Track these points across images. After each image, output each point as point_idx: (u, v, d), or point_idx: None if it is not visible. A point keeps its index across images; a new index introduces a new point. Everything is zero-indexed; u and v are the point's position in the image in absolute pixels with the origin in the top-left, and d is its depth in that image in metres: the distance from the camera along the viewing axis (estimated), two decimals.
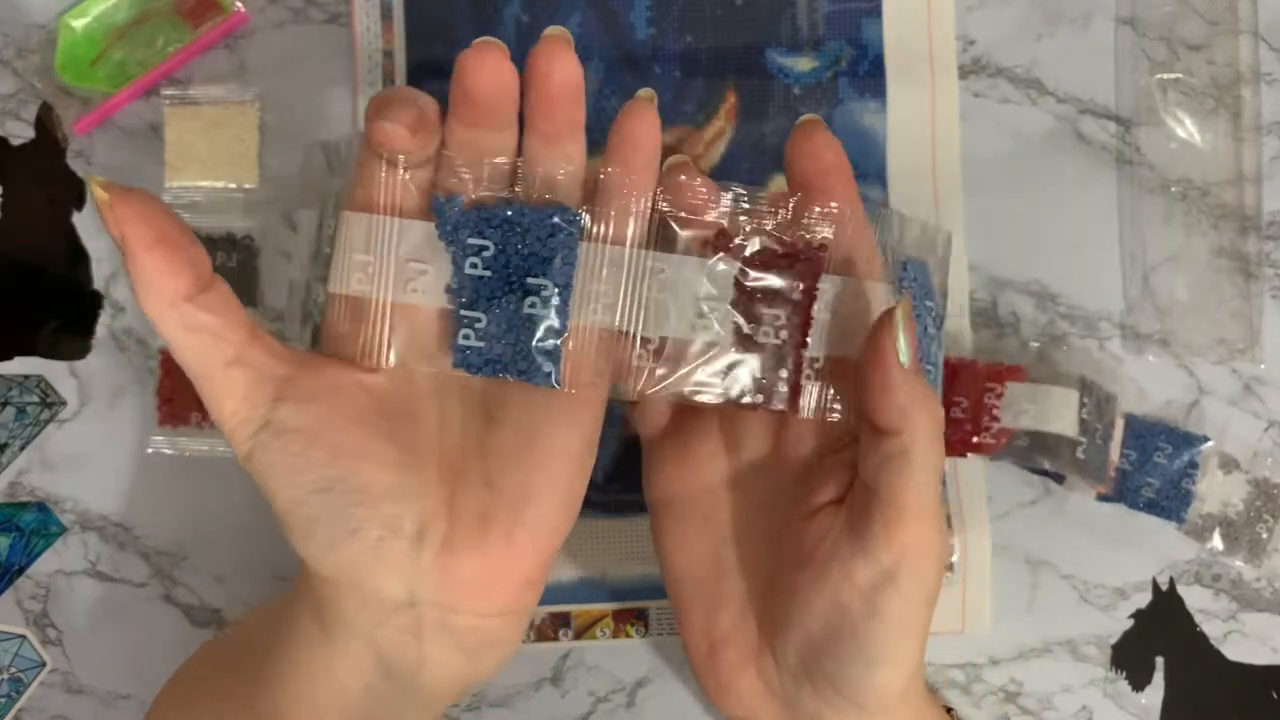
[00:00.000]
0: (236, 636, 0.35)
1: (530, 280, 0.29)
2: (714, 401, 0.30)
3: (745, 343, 0.30)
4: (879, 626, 0.29)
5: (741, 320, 0.30)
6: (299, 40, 0.45)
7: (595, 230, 0.29)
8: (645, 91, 0.29)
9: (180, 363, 0.27)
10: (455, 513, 0.29)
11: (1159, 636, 0.44)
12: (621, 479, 0.44)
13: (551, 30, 0.28)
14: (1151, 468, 0.43)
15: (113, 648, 0.44)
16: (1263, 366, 0.45)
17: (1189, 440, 0.43)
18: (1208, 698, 0.44)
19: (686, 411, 0.33)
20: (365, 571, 0.28)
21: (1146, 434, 0.43)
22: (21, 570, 0.44)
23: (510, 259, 0.29)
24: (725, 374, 0.30)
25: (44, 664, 0.44)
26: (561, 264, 0.29)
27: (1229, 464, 0.44)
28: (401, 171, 0.28)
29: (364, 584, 0.29)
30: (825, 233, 0.30)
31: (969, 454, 0.42)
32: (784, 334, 0.30)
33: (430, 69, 0.45)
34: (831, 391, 0.30)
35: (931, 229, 0.33)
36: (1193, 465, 0.43)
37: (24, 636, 0.44)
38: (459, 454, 0.30)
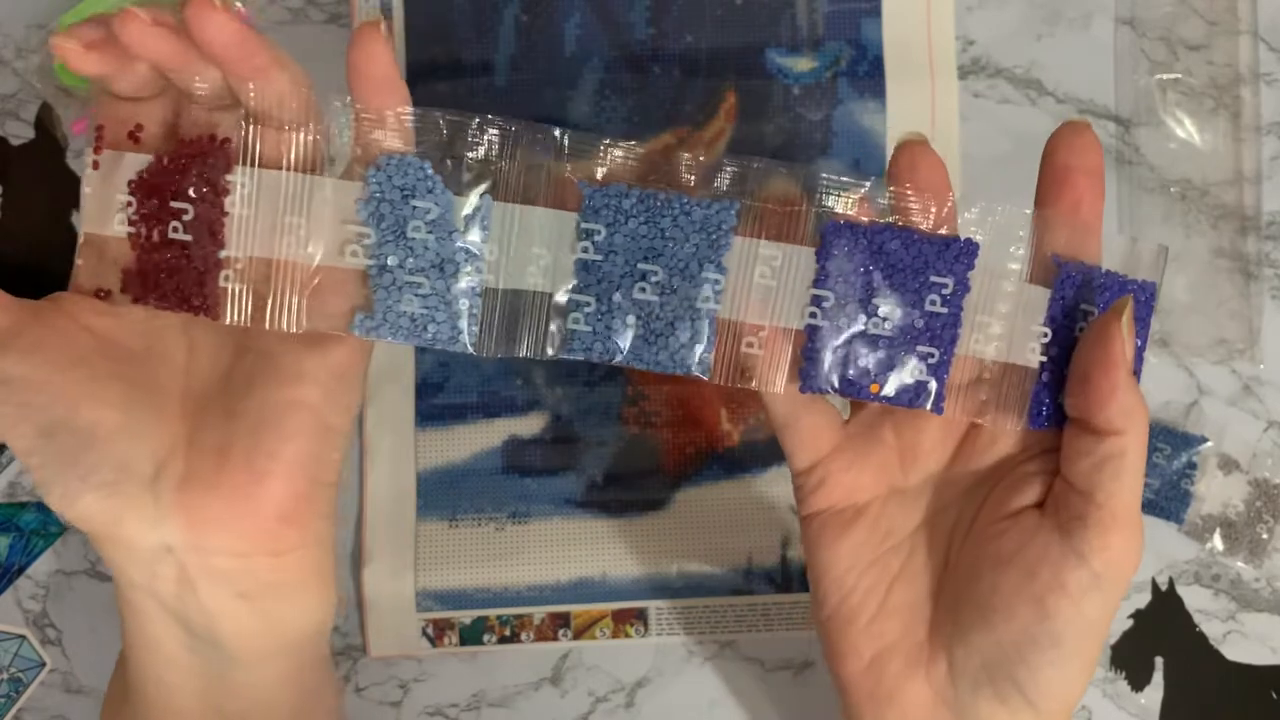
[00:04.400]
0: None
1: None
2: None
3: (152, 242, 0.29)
4: (1081, 630, 0.28)
5: (127, 218, 0.28)
6: (298, 40, 0.45)
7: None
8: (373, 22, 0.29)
9: None
10: (194, 447, 0.29)
11: (1159, 636, 0.44)
12: (621, 479, 0.44)
13: None
14: (1150, 468, 0.43)
15: (112, 648, 0.44)
16: (1262, 366, 0.45)
17: (1188, 441, 0.43)
18: (1207, 698, 0.44)
19: (856, 426, 0.33)
20: (109, 519, 0.28)
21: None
22: (21, 570, 0.44)
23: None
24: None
25: (44, 664, 0.44)
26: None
27: (1229, 464, 0.44)
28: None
29: (115, 534, 0.28)
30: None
31: None
32: (193, 232, 0.28)
33: (430, 69, 0.45)
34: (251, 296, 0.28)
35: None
36: (1191, 466, 0.43)
37: (24, 637, 0.44)
38: (206, 388, 0.29)
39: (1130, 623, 0.44)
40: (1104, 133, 0.45)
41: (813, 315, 0.29)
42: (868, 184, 0.29)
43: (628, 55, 0.45)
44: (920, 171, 0.29)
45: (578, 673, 0.44)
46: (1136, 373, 0.29)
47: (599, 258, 0.29)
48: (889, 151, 0.45)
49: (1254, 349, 0.44)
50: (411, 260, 0.28)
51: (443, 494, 0.44)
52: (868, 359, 0.29)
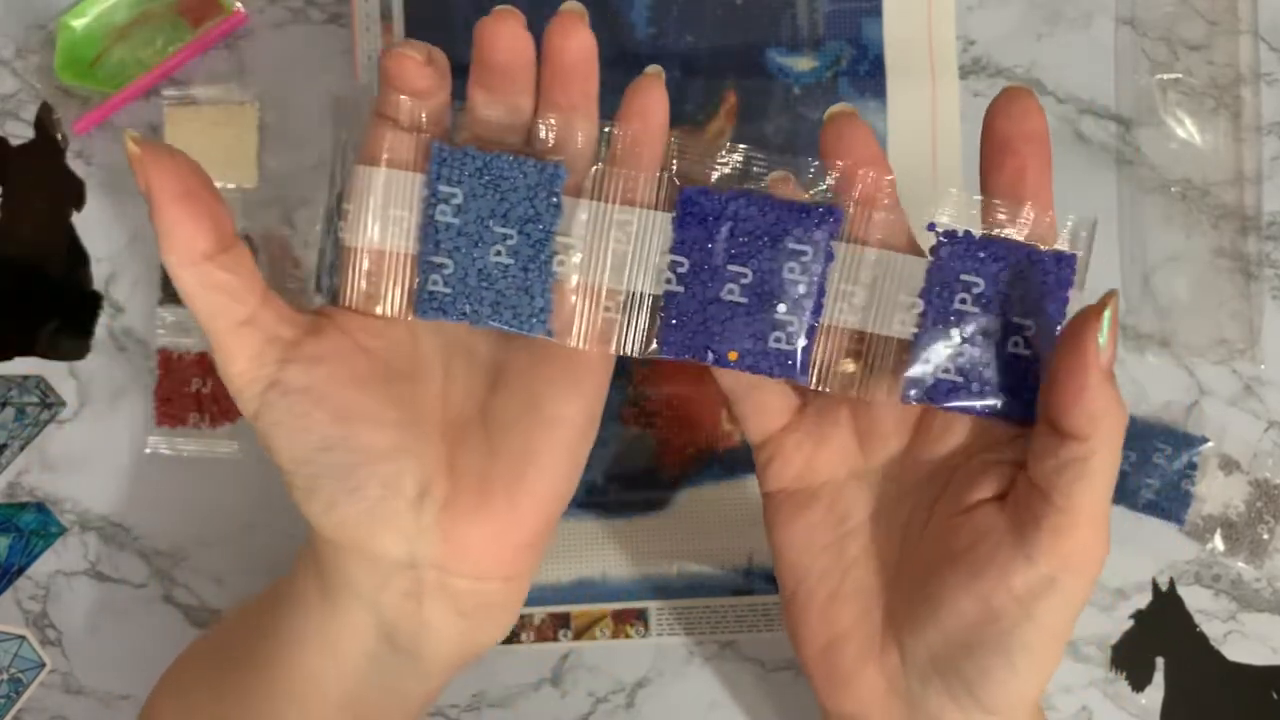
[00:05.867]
0: (228, 625, 0.35)
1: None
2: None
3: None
4: (1031, 633, 0.28)
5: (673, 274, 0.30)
6: (298, 40, 0.45)
7: (597, 188, 0.30)
8: (654, 68, 0.31)
9: (195, 318, 0.28)
10: (457, 475, 0.30)
11: (1159, 637, 0.44)
12: (621, 479, 0.44)
13: (568, 5, 0.29)
14: (1151, 469, 0.43)
15: (112, 648, 0.44)
16: (1263, 366, 0.45)
17: (1188, 441, 0.43)
18: (1208, 698, 0.44)
19: (813, 407, 0.32)
20: (366, 531, 0.29)
21: (1146, 435, 0.43)
22: (21, 570, 0.44)
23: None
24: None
25: (43, 664, 0.44)
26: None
27: (1229, 465, 0.44)
28: (412, 129, 0.29)
29: (366, 544, 0.29)
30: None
31: None
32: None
33: None
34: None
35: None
36: (1192, 466, 0.43)
37: (24, 637, 0.44)
38: (463, 418, 0.31)
39: (1130, 623, 0.44)
40: (1104, 133, 0.45)
41: (669, 281, 0.29)
42: (726, 150, 0.30)
43: (628, 55, 0.45)
44: (846, 142, 0.29)
45: (578, 673, 0.44)
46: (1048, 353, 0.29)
47: (455, 220, 0.29)
48: (890, 152, 0.45)
49: (1254, 349, 0.44)
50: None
51: None
52: (725, 326, 0.29)
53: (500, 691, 0.44)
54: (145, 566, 0.44)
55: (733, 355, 0.29)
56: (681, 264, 0.29)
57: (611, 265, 0.29)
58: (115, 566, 0.44)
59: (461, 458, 0.30)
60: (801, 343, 0.29)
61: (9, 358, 0.44)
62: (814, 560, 0.32)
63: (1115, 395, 0.27)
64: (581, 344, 0.30)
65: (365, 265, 0.30)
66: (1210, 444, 0.43)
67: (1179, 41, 0.45)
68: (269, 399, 0.28)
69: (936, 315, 0.29)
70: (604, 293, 0.30)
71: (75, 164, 0.45)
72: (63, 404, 0.44)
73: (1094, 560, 0.28)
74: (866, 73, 0.45)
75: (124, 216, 0.45)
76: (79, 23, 0.44)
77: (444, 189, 0.29)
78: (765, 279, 0.29)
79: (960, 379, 0.29)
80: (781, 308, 0.29)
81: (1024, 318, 0.29)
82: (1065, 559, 0.27)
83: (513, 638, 0.44)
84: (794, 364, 0.29)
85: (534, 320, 0.29)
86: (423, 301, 0.30)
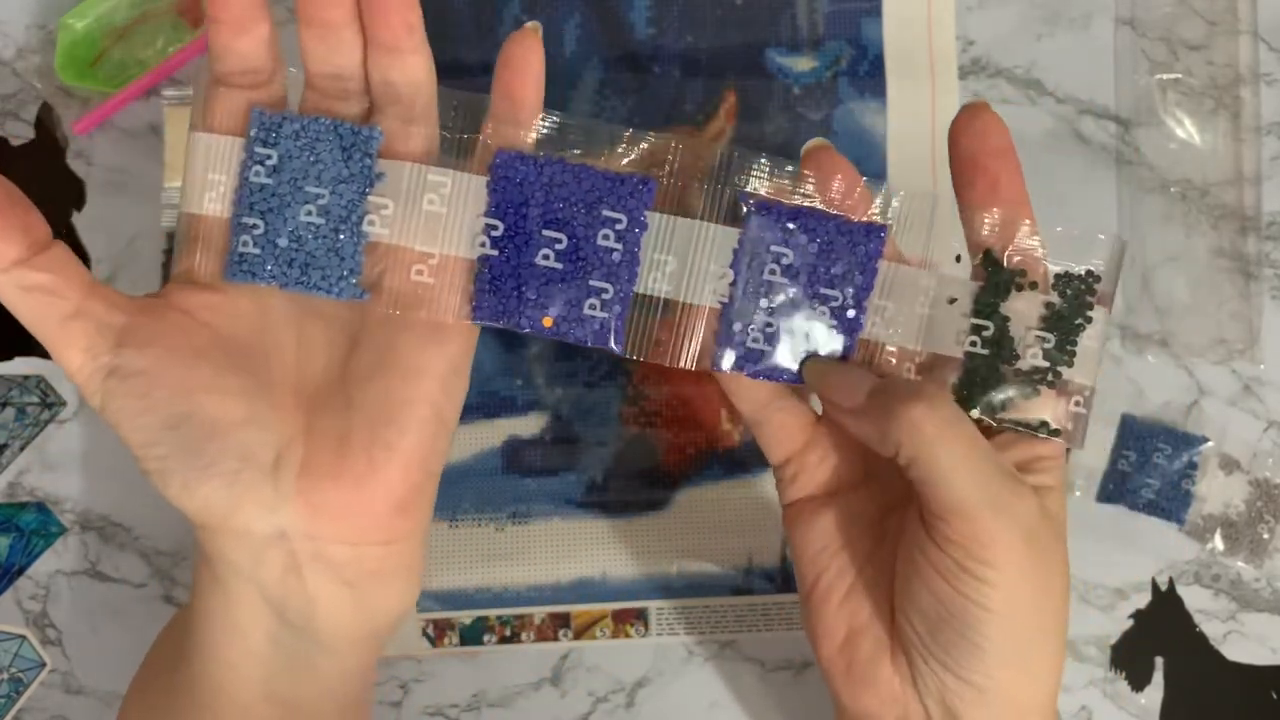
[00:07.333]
0: (174, 622, 0.35)
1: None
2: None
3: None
4: (977, 616, 0.28)
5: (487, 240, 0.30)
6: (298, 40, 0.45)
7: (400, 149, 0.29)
8: (532, 24, 0.30)
9: (24, 324, 0.28)
10: (314, 438, 0.29)
11: (1159, 637, 0.44)
12: (621, 479, 0.44)
13: None
14: (1151, 468, 0.43)
15: (113, 648, 0.44)
16: (1262, 366, 0.45)
17: (1188, 441, 0.43)
18: (1207, 698, 0.44)
19: (830, 422, 0.33)
20: (228, 507, 0.29)
21: (1145, 435, 0.43)
22: (21, 570, 0.44)
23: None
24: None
25: (44, 664, 0.44)
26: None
27: (1229, 464, 0.44)
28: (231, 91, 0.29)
29: (231, 521, 0.29)
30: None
31: None
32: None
33: None
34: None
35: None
36: (1192, 466, 0.43)
37: (24, 637, 0.44)
38: (321, 380, 0.30)
39: (1130, 623, 0.44)
40: (1104, 133, 0.45)
41: (483, 244, 0.29)
42: (541, 116, 0.30)
43: (628, 55, 0.45)
44: (826, 174, 0.30)
45: (578, 673, 0.44)
46: (856, 324, 0.30)
47: (269, 181, 0.29)
48: (889, 152, 0.45)
49: (1254, 349, 0.44)
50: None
51: (443, 494, 0.44)
52: (540, 291, 0.29)
53: (500, 691, 0.44)
54: (145, 566, 0.44)
55: (547, 321, 0.29)
56: (495, 227, 0.29)
57: (425, 228, 0.29)
58: (115, 566, 0.44)
59: (321, 421, 0.30)
60: (616, 310, 0.29)
61: (9, 358, 0.44)
62: (832, 557, 0.33)
63: (883, 406, 0.28)
64: (394, 308, 0.29)
65: (190, 233, 0.29)
66: (1210, 444, 0.43)
67: (1179, 41, 0.45)
68: (109, 387, 0.28)
69: (746, 285, 0.29)
70: (416, 255, 0.29)
71: (75, 164, 0.45)
72: (63, 404, 0.44)
73: (1001, 545, 0.28)
74: (866, 73, 0.45)
75: (124, 216, 0.45)
76: (79, 23, 0.44)
77: (260, 151, 0.29)
78: (580, 245, 0.29)
79: (768, 348, 0.30)
80: (596, 275, 0.29)
81: (832, 288, 0.30)
82: (969, 548, 0.28)
83: (513, 638, 0.44)
84: (608, 332, 0.29)
85: (343, 283, 0.29)
86: (232, 264, 0.29)
